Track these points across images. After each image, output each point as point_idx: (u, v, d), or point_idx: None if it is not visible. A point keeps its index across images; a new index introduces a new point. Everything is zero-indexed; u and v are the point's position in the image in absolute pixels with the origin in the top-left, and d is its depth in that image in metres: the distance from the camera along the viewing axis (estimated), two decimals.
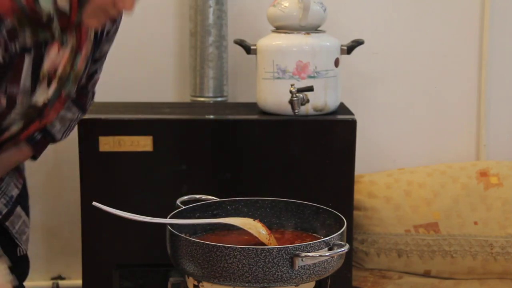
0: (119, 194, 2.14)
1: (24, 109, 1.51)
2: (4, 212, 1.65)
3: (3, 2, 1.37)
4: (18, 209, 1.70)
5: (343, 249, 1.37)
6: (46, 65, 1.49)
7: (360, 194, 2.55)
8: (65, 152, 2.54)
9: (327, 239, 1.38)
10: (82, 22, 1.49)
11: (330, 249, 1.37)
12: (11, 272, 1.64)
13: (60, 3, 1.43)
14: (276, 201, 1.63)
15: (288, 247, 1.34)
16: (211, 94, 2.54)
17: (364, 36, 2.37)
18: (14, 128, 1.54)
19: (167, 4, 2.63)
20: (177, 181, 2.14)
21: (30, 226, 1.76)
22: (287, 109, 2.18)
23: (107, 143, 2.13)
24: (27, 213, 1.74)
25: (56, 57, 1.50)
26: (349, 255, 2.22)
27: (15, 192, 1.70)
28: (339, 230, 1.42)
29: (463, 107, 2.74)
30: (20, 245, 1.70)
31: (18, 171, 1.73)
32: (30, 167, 1.89)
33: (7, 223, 1.66)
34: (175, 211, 1.53)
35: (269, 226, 1.57)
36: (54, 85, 1.53)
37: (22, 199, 1.73)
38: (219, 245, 1.34)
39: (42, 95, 1.52)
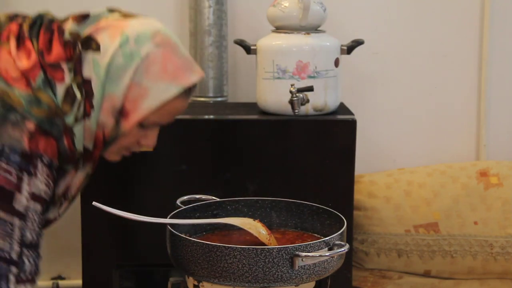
0: (119, 194, 2.14)
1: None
2: None
3: (53, 148, 1.46)
4: None
5: (343, 249, 1.37)
6: (61, 189, 1.57)
7: (360, 194, 2.55)
8: None
9: (327, 239, 1.38)
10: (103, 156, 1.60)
11: (330, 249, 1.38)
12: None
13: (85, 143, 1.51)
14: (276, 201, 1.63)
15: (288, 247, 1.34)
16: (211, 94, 2.54)
17: (364, 36, 2.37)
18: None
19: (167, 4, 2.63)
20: (177, 181, 2.14)
21: None
22: (287, 109, 2.18)
23: None
24: None
25: (70, 181, 1.59)
26: (349, 255, 2.22)
27: None
28: (339, 230, 1.42)
29: (463, 107, 2.74)
30: None
31: None
32: None
33: None
34: (175, 211, 1.53)
35: (269, 226, 1.57)
36: (65, 205, 1.62)
37: None
38: (219, 245, 1.34)
39: (53, 214, 1.60)
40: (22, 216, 1.41)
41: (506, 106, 2.74)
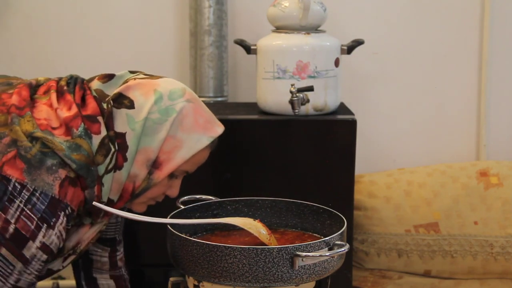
0: None
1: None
2: None
3: (79, 198, 1.50)
4: None
5: (343, 249, 1.37)
6: (72, 242, 1.60)
7: (360, 194, 2.55)
8: None
9: (327, 239, 1.38)
10: (128, 206, 1.63)
11: (330, 249, 1.37)
12: None
13: (111, 195, 1.55)
14: (276, 201, 1.63)
15: (288, 247, 1.34)
16: (211, 94, 2.54)
17: (364, 36, 2.37)
18: None
19: (167, 4, 2.63)
20: None
21: None
22: (287, 109, 2.18)
23: None
24: None
25: (82, 235, 1.62)
26: (349, 255, 2.22)
27: None
28: (339, 230, 1.42)
29: (463, 107, 2.74)
30: None
31: None
32: None
33: None
34: (175, 211, 1.53)
35: (269, 226, 1.57)
36: (71, 258, 1.64)
37: None
38: (219, 245, 1.34)
39: (57, 265, 1.63)
40: (26, 262, 1.45)
41: (506, 106, 2.74)
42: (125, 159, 1.52)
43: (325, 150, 2.21)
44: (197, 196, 1.65)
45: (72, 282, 2.69)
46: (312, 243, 1.36)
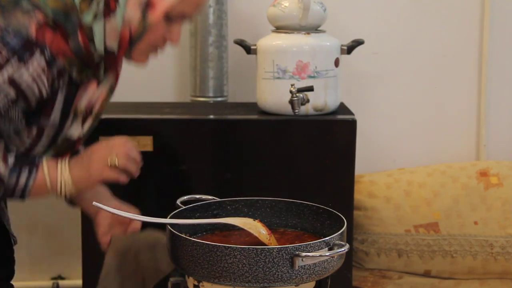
0: (119, 194, 2.14)
1: (50, 141, 1.58)
2: None
3: (59, 44, 1.45)
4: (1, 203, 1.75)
5: (343, 249, 1.37)
6: (83, 102, 1.57)
7: (360, 194, 2.55)
8: None
9: (327, 239, 1.38)
10: (130, 60, 1.58)
11: (330, 249, 1.37)
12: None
13: (108, 43, 1.50)
14: (276, 201, 1.63)
15: (288, 247, 1.34)
16: (211, 94, 2.54)
17: (364, 36, 2.37)
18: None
19: None
20: (177, 181, 2.14)
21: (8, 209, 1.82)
22: (287, 109, 2.18)
23: None
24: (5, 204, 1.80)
25: (93, 95, 1.58)
26: (349, 255, 2.22)
27: None
28: (339, 230, 1.42)
29: (463, 107, 2.74)
30: (12, 234, 1.77)
31: None
32: None
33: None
34: (175, 211, 1.53)
35: (269, 226, 1.57)
36: (89, 122, 1.61)
37: None
38: (219, 245, 1.34)
39: (77, 130, 1.59)
40: None
41: (506, 106, 2.74)
42: (117, 2, 1.47)
43: (325, 150, 2.21)
44: (197, 196, 1.64)
45: (72, 282, 2.70)
46: (312, 243, 1.35)
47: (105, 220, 1.69)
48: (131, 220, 1.65)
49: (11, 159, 1.47)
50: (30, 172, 1.48)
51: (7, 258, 1.77)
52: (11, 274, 1.80)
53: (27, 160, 1.49)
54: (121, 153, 1.53)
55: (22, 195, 1.49)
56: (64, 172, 1.52)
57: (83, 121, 1.60)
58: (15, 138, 1.53)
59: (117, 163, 1.52)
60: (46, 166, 1.50)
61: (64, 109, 1.55)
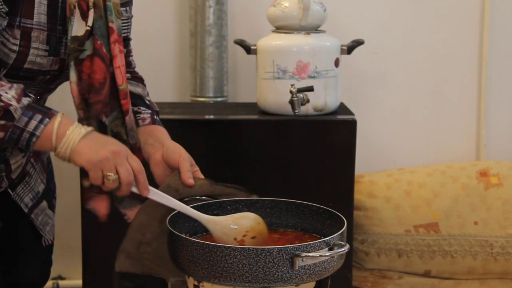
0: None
1: (51, 50, 1.48)
2: (30, 205, 1.71)
3: None
4: (44, 203, 1.76)
5: (343, 249, 1.37)
6: None
7: (360, 194, 2.55)
8: None
9: (327, 239, 1.38)
10: None
11: (330, 249, 1.37)
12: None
13: None
14: (276, 201, 1.63)
15: (288, 247, 1.34)
16: (211, 94, 2.54)
17: (364, 36, 2.37)
18: (73, 78, 1.50)
19: (167, 4, 2.63)
20: None
21: (54, 219, 1.81)
22: (287, 109, 2.18)
23: None
24: (51, 206, 1.79)
25: None
26: (349, 255, 2.21)
27: (41, 187, 1.75)
28: (339, 230, 1.42)
29: (463, 107, 2.74)
30: (44, 235, 1.76)
31: (43, 166, 1.77)
32: None
33: (32, 216, 1.72)
34: (175, 211, 1.53)
35: (269, 226, 1.58)
36: (91, 15, 1.49)
37: (48, 194, 1.78)
38: (219, 245, 1.34)
39: (80, 26, 1.48)
40: None
41: (506, 106, 2.74)
42: None
43: (325, 150, 2.21)
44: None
45: (72, 282, 2.70)
46: (312, 243, 1.35)
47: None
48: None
49: (26, 100, 1.39)
50: (41, 121, 1.40)
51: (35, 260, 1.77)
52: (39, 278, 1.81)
53: (43, 109, 1.41)
54: (127, 170, 1.45)
55: (28, 143, 1.40)
56: (74, 134, 1.41)
57: (84, 16, 1.48)
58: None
59: (113, 177, 1.45)
60: (59, 121, 1.40)
61: (50, 7, 1.45)
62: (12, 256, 1.74)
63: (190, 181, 1.55)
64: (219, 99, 2.56)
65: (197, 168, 1.64)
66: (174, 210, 1.52)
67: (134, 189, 1.48)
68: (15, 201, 1.68)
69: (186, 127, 2.20)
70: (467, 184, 2.56)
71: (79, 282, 2.37)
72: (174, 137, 2.20)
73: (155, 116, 1.67)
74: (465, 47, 2.71)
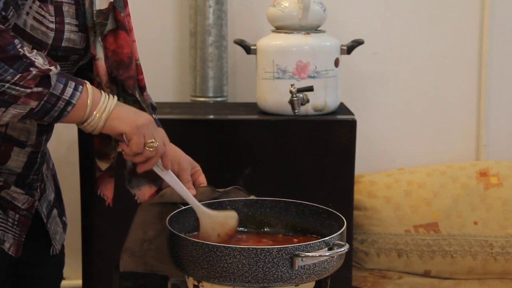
0: (120, 194, 2.14)
1: (80, 26, 1.45)
2: (46, 214, 1.66)
3: None
4: (54, 211, 1.70)
5: (343, 249, 1.37)
6: None
7: (360, 194, 2.55)
8: (65, 152, 2.54)
9: (327, 239, 1.38)
10: None
11: (330, 249, 1.37)
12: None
13: None
14: (276, 201, 1.63)
15: (288, 247, 1.34)
16: (211, 94, 2.54)
17: (364, 36, 2.37)
18: (100, 55, 1.47)
19: (167, 4, 2.63)
20: None
21: (61, 227, 1.75)
22: (287, 109, 2.18)
23: None
24: (59, 214, 1.73)
25: None
26: (349, 255, 2.22)
27: (52, 196, 1.70)
28: (339, 230, 1.42)
29: (463, 107, 2.74)
30: (54, 245, 1.69)
31: (51, 173, 1.74)
32: None
33: (48, 225, 1.66)
34: (175, 211, 1.53)
35: (269, 226, 1.58)
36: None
37: (57, 202, 1.73)
38: (219, 245, 1.34)
39: (103, 0, 1.45)
40: None
41: (506, 106, 2.74)
42: None
43: (325, 150, 2.21)
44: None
45: (72, 282, 2.70)
46: (312, 243, 1.35)
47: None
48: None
49: (58, 67, 1.33)
50: (76, 87, 1.33)
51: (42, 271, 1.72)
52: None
53: (74, 77, 1.36)
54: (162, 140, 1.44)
55: (60, 113, 1.32)
56: (109, 101, 1.37)
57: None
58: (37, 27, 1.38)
59: (156, 145, 1.42)
60: (91, 88, 1.36)
61: None
62: (26, 271, 1.68)
63: (191, 191, 1.55)
64: (219, 99, 2.56)
65: (198, 168, 1.64)
66: (173, 208, 1.53)
67: (156, 166, 1.47)
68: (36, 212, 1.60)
69: (186, 127, 2.20)
70: (467, 184, 2.56)
71: (79, 282, 2.37)
72: (174, 137, 2.20)
73: (152, 116, 1.67)
74: (465, 47, 2.71)
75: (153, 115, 1.65)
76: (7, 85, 1.27)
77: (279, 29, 2.29)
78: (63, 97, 1.32)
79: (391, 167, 2.71)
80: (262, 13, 2.37)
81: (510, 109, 2.75)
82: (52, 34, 1.40)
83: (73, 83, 1.33)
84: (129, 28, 1.52)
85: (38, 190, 1.59)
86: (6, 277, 1.57)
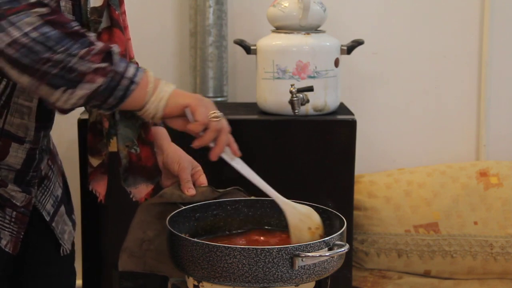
0: (120, 194, 2.14)
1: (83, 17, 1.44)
2: (51, 212, 1.64)
3: None
4: (62, 209, 1.68)
5: (343, 249, 1.37)
6: None
7: (360, 194, 2.55)
8: (65, 152, 2.53)
9: (327, 239, 1.38)
10: None
11: (330, 249, 1.37)
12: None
13: None
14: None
15: (288, 247, 1.34)
16: (211, 94, 2.54)
17: (364, 36, 2.37)
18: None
19: (167, 4, 2.63)
20: None
21: (71, 225, 1.73)
22: (287, 109, 2.18)
23: None
24: (67, 212, 1.71)
25: None
26: (349, 255, 2.22)
27: (59, 191, 1.69)
28: (339, 230, 1.42)
29: (463, 107, 2.74)
30: (63, 244, 1.68)
31: (59, 168, 1.73)
32: None
33: (53, 224, 1.64)
34: (175, 211, 1.53)
35: (269, 226, 1.58)
36: None
37: (65, 198, 1.71)
38: (219, 245, 1.34)
39: None
40: None
41: (506, 106, 2.74)
42: None
43: (325, 150, 2.21)
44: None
45: None
46: (312, 243, 1.35)
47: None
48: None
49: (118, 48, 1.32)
50: (137, 68, 1.32)
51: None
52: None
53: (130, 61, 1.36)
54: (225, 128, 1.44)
55: (125, 93, 1.30)
56: (166, 83, 1.37)
57: None
58: None
59: (219, 114, 1.42)
60: (149, 70, 1.36)
61: None
62: (31, 269, 1.66)
63: (191, 191, 1.55)
64: (219, 99, 2.56)
65: (199, 168, 1.63)
66: (173, 208, 1.52)
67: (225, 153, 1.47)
68: (35, 210, 1.58)
69: None
70: (467, 184, 2.56)
71: (79, 282, 2.36)
72: (174, 137, 2.20)
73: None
74: (465, 47, 2.71)
75: None
76: (75, 59, 1.25)
77: (279, 29, 2.29)
78: (126, 75, 1.30)
79: (391, 167, 2.71)
80: (262, 13, 2.37)
81: (510, 109, 2.75)
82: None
83: (133, 65, 1.33)
84: (124, 26, 1.52)
85: (36, 187, 1.58)
86: (4, 274, 1.57)
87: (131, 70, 1.31)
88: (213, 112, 1.41)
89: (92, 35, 1.30)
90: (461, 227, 2.52)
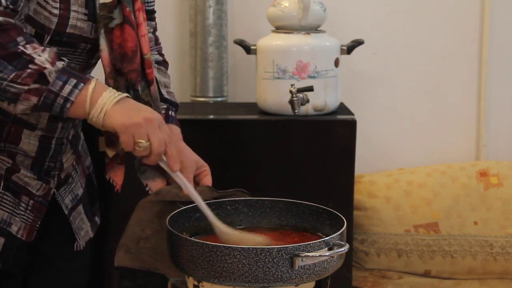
0: (119, 194, 2.14)
1: (89, 14, 1.48)
2: (69, 207, 1.68)
3: None
4: (80, 207, 1.72)
5: (343, 249, 1.37)
6: None
7: (360, 194, 2.55)
8: None
9: (327, 239, 1.38)
10: None
11: (330, 249, 1.37)
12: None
13: None
14: (276, 201, 1.63)
15: (288, 247, 1.34)
16: (211, 94, 2.54)
17: (364, 36, 2.37)
18: (103, 46, 1.50)
19: (167, 4, 2.63)
20: None
21: (89, 225, 1.76)
22: (287, 109, 2.18)
23: None
24: (86, 211, 1.74)
25: None
26: (349, 255, 2.22)
27: (80, 191, 1.72)
28: (339, 230, 1.42)
29: (463, 107, 2.74)
30: (78, 239, 1.72)
31: (83, 170, 1.75)
32: None
33: (71, 218, 1.69)
34: (175, 211, 1.53)
35: (270, 226, 1.58)
36: None
37: (85, 199, 1.75)
38: (219, 245, 1.34)
39: None
40: None
41: (506, 106, 2.74)
42: None
43: (325, 150, 2.21)
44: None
45: None
46: (312, 243, 1.35)
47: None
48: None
49: (60, 64, 1.35)
50: (76, 85, 1.35)
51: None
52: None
53: (78, 74, 1.38)
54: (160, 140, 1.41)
55: (62, 109, 1.35)
56: (108, 99, 1.38)
57: None
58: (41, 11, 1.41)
59: (144, 144, 1.40)
60: (93, 86, 1.37)
61: None
62: (44, 261, 1.70)
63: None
64: (219, 99, 2.56)
65: (205, 168, 1.64)
66: (173, 208, 1.52)
67: (162, 164, 1.45)
68: (55, 202, 1.63)
69: (186, 127, 2.19)
70: (467, 184, 2.56)
71: None
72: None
73: (170, 112, 1.67)
74: (465, 47, 2.71)
75: (171, 112, 1.68)
76: (5, 82, 1.31)
77: (279, 29, 2.29)
78: (61, 94, 1.35)
79: (391, 167, 2.71)
80: (262, 13, 2.37)
81: (510, 109, 2.75)
82: (55, 20, 1.43)
83: (74, 81, 1.35)
84: (137, 23, 1.55)
85: (56, 179, 1.60)
86: (15, 261, 1.59)
87: (67, 89, 1.35)
88: (138, 141, 1.39)
89: (39, 53, 1.33)
90: (461, 227, 2.52)
